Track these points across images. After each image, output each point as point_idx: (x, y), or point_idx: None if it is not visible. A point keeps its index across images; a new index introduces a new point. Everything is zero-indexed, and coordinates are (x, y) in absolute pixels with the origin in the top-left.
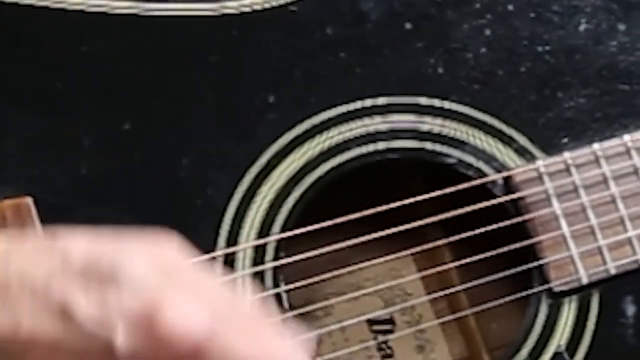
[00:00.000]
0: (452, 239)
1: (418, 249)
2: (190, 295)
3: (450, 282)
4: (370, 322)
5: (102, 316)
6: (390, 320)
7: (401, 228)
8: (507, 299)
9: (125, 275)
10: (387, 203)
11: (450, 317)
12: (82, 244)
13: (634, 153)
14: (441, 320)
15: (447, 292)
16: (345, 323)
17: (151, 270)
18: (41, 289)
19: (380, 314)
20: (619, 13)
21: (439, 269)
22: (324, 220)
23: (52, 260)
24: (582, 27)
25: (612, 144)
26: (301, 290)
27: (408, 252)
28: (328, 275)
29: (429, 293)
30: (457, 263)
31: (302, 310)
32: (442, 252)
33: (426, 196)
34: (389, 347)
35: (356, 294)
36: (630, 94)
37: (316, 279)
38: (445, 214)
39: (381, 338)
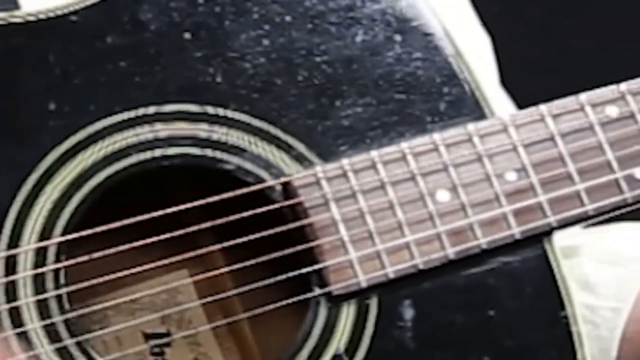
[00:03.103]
0: (226, 244)
1: (190, 254)
2: None
3: (226, 291)
4: (147, 335)
5: None
6: (166, 334)
7: (171, 235)
8: (283, 303)
9: None
10: (165, 209)
11: (223, 321)
12: None
13: (410, 159)
14: (213, 325)
15: (218, 297)
16: (116, 327)
17: None
18: None
19: (156, 328)
20: (396, 25)
21: (211, 274)
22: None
23: None
24: (359, 38)
25: (389, 151)
26: (78, 302)
27: (179, 258)
28: (101, 280)
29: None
30: (228, 268)
31: (78, 313)
32: (217, 263)
33: (202, 202)
34: None
35: (128, 297)
36: (406, 103)
37: (86, 283)
38: (219, 220)
39: (157, 351)
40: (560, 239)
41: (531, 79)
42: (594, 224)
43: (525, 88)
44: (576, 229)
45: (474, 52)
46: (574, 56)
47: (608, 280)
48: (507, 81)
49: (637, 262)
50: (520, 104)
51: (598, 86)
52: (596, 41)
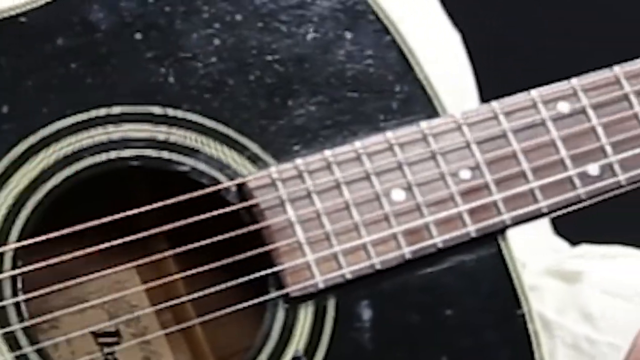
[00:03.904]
0: (179, 250)
1: (141, 261)
2: None
3: (177, 292)
4: (96, 334)
5: None
6: (116, 333)
7: (123, 240)
8: (241, 306)
9: None
10: (120, 212)
11: (176, 327)
12: None
13: (365, 159)
14: (166, 331)
15: (172, 303)
16: (70, 335)
17: None
18: None
19: (106, 327)
20: (346, 22)
21: (163, 280)
22: (62, 230)
23: None
24: (309, 36)
25: (343, 150)
26: (28, 302)
27: (133, 264)
28: (54, 287)
29: (155, 304)
30: (184, 274)
31: (29, 323)
32: (168, 263)
33: (155, 205)
34: (115, 359)
35: (81, 306)
36: (358, 102)
37: (42, 292)
38: (175, 224)
39: (107, 350)
40: (563, 262)
41: (501, 73)
42: (598, 243)
43: (495, 83)
44: (581, 252)
45: (448, 52)
46: (542, 50)
47: (611, 314)
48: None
49: None
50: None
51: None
52: (570, 35)
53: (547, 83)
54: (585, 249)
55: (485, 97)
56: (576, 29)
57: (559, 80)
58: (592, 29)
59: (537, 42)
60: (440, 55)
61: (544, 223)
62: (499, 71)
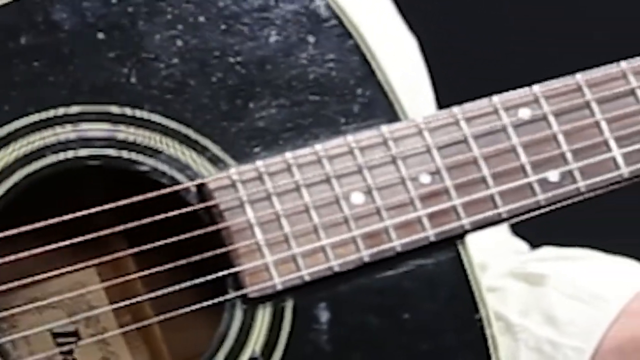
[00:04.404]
0: (138, 249)
1: (99, 260)
2: None
3: (136, 293)
4: (55, 334)
5: None
6: (75, 333)
7: (83, 238)
8: (199, 306)
9: None
10: (81, 211)
11: (134, 325)
12: None
13: (325, 162)
14: (124, 329)
15: (130, 302)
16: (27, 332)
17: None
18: None
19: (65, 327)
20: (309, 26)
21: (122, 280)
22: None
23: None
24: (272, 39)
25: (303, 153)
26: None
27: (90, 263)
28: (11, 285)
29: (113, 304)
30: (142, 273)
31: None
32: (128, 264)
33: (113, 205)
34: (74, 359)
35: (38, 304)
36: (320, 105)
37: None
38: (133, 223)
39: (66, 350)
40: (527, 264)
41: (457, 78)
42: (556, 244)
43: (451, 88)
44: (543, 254)
45: (404, 55)
46: (497, 55)
47: (574, 318)
48: (435, 81)
49: (605, 302)
50: (446, 104)
51: (520, 86)
52: (518, 41)
53: (507, 89)
54: (546, 251)
55: (442, 100)
56: (537, 36)
57: (519, 86)
58: (553, 35)
59: (494, 48)
60: (394, 56)
61: (504, 225)
62: (456, 76)
